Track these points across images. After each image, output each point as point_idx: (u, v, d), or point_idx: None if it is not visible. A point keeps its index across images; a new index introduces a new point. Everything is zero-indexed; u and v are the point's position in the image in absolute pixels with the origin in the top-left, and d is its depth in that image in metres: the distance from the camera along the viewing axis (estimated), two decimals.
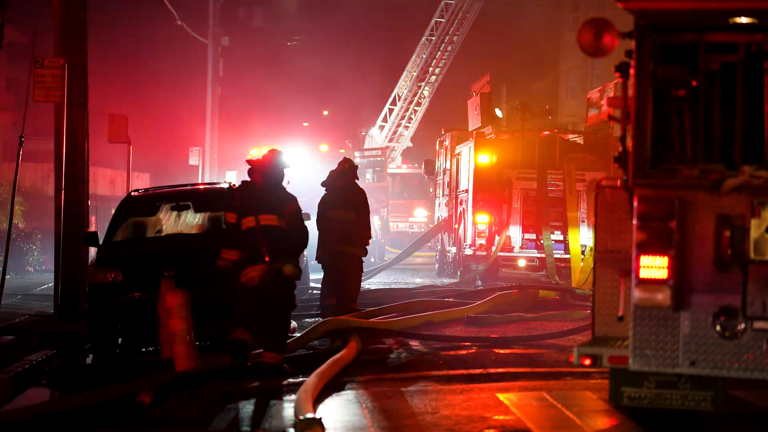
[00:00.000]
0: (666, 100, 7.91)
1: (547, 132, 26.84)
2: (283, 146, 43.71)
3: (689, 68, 7.89)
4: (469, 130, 29.40)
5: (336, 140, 51.03)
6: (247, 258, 12.10)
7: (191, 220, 16.25)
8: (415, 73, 45.32)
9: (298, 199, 12.72)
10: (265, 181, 12.39)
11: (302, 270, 12.55)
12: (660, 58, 7.91)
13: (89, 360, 14.69)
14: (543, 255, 25.03)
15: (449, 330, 15.97)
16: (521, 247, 25.45)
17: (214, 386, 11.40)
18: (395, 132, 46.12)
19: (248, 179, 12.59)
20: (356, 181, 17.73)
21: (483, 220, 25.58)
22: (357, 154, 43.01)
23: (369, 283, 25.59)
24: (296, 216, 12.34)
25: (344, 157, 18.81)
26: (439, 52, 44.83)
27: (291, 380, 11.47)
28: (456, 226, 27.78)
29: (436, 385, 11.07)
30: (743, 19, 7.83)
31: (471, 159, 26.18)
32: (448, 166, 29.89)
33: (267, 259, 12.00)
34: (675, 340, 7.81)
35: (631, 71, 7.95)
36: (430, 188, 34.89)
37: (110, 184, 45.27)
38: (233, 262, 12.23)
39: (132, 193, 17.10)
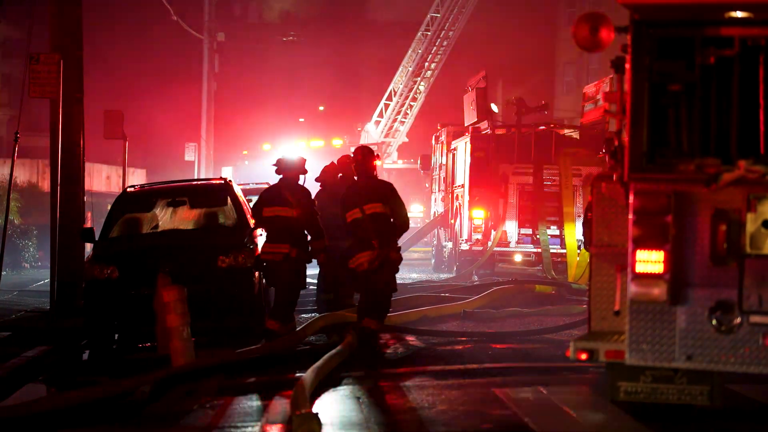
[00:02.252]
0: (662, 95, 7.91)
1: (543, 127, 26.83)
2: (278, 141, 43.49)
3: (685, 63, 7.89)
4: (465, 125, 29.41)
5: (331, 136, 51.03)
6: (355, 246, 13.10)
7: (187, 216, 16.25)
8: (410, 69, 45.31)
9: None
10: (360, 174, 13.45)
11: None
12: (656, 52, 7.91)
13: (86, 356, 14.69)
14: (539, 250, 25.03)
15: (446, 325, 15.97)
16: (517, 242, 25.46)
17: (212, 381, 11.40)
18: (391, 127, 46.12)
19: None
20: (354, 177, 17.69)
21: (479, 215, 25.58)
22: (353, 149, 42.98)
23: None
24: (397, 201, 13.28)
25: (343, 154, 18.79)
26: (435, 47, 44.84)
27: (288, 375, 11.47)
28: (452, 221, 27.79)
29: (433, 380, 11.07)
30: (739, 14, 7.83)
31: (467, 154, 26.19)
32: (444, 162, 29.89)
33: (375, 244, 12.97)
34: (671, 335, 7.82)
35: (627, 66, 7.96)
36: (426, 183, 34.89)
37: (106, 180, 45.22)
38: (283, 255, 13.45)
39: (128, 189, 17.10)
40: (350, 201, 13.33)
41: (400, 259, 13.42)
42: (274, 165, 14.57)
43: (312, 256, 14.11)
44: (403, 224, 13.36)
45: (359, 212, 13.13)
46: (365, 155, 13.59)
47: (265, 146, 42.72)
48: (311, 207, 14.03)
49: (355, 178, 13.98)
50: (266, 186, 26.94)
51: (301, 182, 14.37)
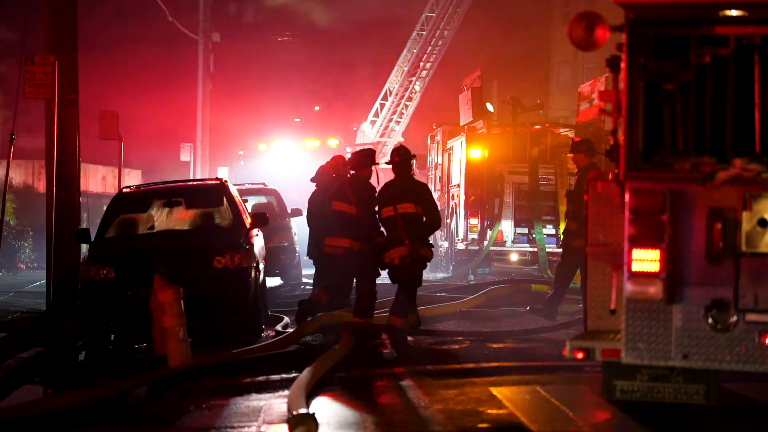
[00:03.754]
0: (657, 94, 7.92)
1: (539, 126, 26.86)
2: (274, 141, 43.50)
3: (680, 62, 7.90)
4: (461, 124, 29.40)
5: (327, 136, 51.03)
6: (387, 242, 13.65)
7: (183, 217, 16.25)
8: (406, 68, 45.28)
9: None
10: (398, 174, 13.87)
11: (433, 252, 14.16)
12: (651, 51, 7.91)
13: (82, 357, 14.69)
14: (535, 249, 25.04)
15: (442, 325, 15.98)
16: (513, 242, 25.48)
17: (208, 382, 11.39)
18: (387, 127, 46.08)
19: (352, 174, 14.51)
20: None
21: (475, 214, 25.59)
22: (348, 149, 42.98)
23: None
24: (429, 201, 13.81)
25: (336, 154, 18.78)
26: (430, 47, 44.79)
27: (284, 375, 11.47)
28: (448, 220, 27.79)
29: (429, 380, 11.07)
30: (733, 12, 7.83)
31: (462, 154, 26.20)
32: (439, 161, 29.88)
33: (407, 242, 13.38)
34: (667, 333, 7.82)
35: (622, 65, 7.96)
36: None
37: (102, 180, 45.15)
38: (345, 249, 14.06)
39: (124, 190, 17.09)
40: (385, 199, 13.82)
41: (431, 255, 13.85)
42: (349, 166, 14.96)
43: (371, 249, 14.29)
44: (433, 223, 13.84)
45: (392, 210, 13.63)
46: (403, 156, 13.94)
47: (260, 146, 42.68)
48: (371, 204, 14.28)
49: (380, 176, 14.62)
50: (261, 186, 27.13)
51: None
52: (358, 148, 45.37)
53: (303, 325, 14.15)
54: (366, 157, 14.66)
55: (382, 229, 14.03)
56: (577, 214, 15.41)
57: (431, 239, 13.88)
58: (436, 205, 14.18)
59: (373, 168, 14.59)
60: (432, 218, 13.80)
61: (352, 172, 14.75)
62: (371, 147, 15.06)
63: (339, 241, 14.27)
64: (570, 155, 16.33)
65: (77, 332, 15.10)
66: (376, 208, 14.02)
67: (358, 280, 14.32)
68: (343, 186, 14.60)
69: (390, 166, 13.98)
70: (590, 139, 16.64)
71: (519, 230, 25.39)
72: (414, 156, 14.05)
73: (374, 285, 14.30)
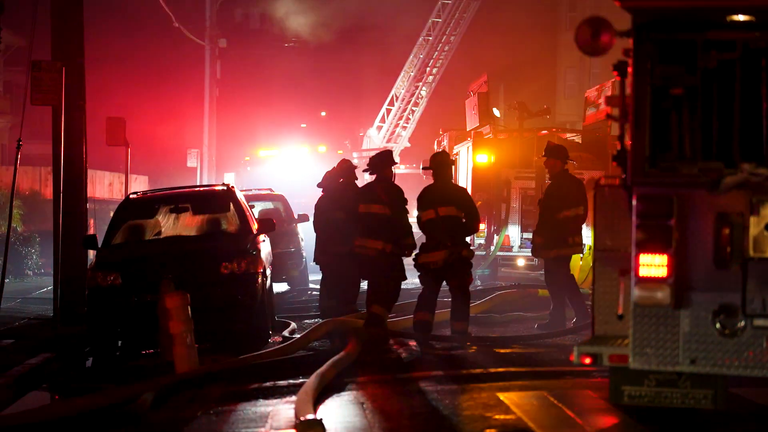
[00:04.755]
0: (664, 99, 7.91)
1: (545, 131, 26.80)
2: (281, 147, 43.51)
3: (687, 67, 7.89)
4: (467, 130, 29.36)
5: (334, 141, 51.04)
6: (427, 244, 14.05)
7: (190, 223, 16.26)
8: (412, 74, 45.30)
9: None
10: (439, 178, 14.24)
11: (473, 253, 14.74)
12: (658, 56, 7.91)
13: (89, 363, 14.70)
14: None
15: (449, 330, 15.96)
16: (520, 247, 25.42)
17: (215, 388, 11.40)
18: (393, 132, 46.10)
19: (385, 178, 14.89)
20: (356, 181, 17.72)
21: (482, 219, 25.55)
22: (355, 154, 42.99)
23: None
24: (470, 205, 14.24)
25: (342, 158, 18.81)
26: (437, 52, 44.82)
27: (291, 381, 11.47)
28: None
29: (437, 385, 11.06)
30: (741, 17, 7.83)
31: (469, 159, 26.16)
32: None
33: (449, 244, 13.80)
34: (675, 339, 7.81)
35: (629, 70, 7.95)
36: None
37: (109, 186, 45.24)
38: (377, 251, 14.43)
39: (130, 196, 17.10)
40: (426, 202, 14.18)
41: (473, 255, 14.41)
42: (366, 170, 15.26)
43: (403, 251, 14.75)
44: (473, 226, 14.29)
45: (434, 213, 14.00)
46: (443, 161, 14.38)
47: (260, 152, 42.72)
48: (403, 205, 14.74)
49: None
50: (268, 192, 27.15)
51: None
52: (365, 154, 45.48)
53: (309, 331, 14.15)
54: (386, 159, 15.12)
55: (415, 231, 14.51)
56: (542, 227, 15.50)
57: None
58: (476, 208, 14.57)
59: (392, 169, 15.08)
60: (473, 220, 14.19)
61: (372, 175, 15.06)
62: (388, 150, 15.59)
63: (371, 243, 14.57)
64: (543, 159, 16.38)
65: (84, 338, 15.11)
66: (415, 212, 14.44)
67: (385, 280, 14.62)
68: (372, 188, 14.95)
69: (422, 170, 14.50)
70: (564, 146, 16.79)
71: (526, 235, 25.33)
72: (454, 161, 14.50)
73: (399, 287, 14.78)
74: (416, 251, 14.53)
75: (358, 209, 14.80)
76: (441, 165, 14.33)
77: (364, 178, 16.82)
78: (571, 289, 15.62)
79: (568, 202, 15.52)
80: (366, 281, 15.20)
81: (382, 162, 15.06)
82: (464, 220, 14.10)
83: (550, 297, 16.02)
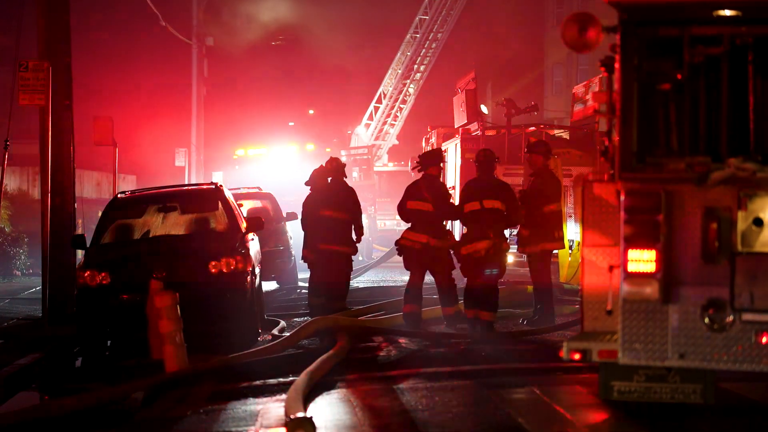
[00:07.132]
0: (651, 94, 7.93)
1: (533, 128, 26.83)
2: (269, 146, 43.46)
3: (674, 62, 7.91)
4: (455, 127, 29.40)
5: (322, 139, 51.01)
6: (469, 235, 14.86)
7: (178, 222, 16.23)
8: (400, 71, 45.28)
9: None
10: (484, 173, 15.09)
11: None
12: (644, 52, 7.92)
13: (78, 363, 14.67)
14: None
15: (439, 327, 15.97)
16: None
17: (205, 387, 11.38)
18: (381, 130, 46.08)
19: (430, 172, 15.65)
20: (344, 179, 17.70)
21: None
22: (343, 152, 42.96)
23: (357, 282, 25.57)
24: (513, 199, 14.98)
25: (331, 156, 18.80)
26: (424, 50, 44.80)
27: (281, 379, 11.46)
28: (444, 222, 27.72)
29: (426, 383, 11.07)
30: (727, 12, 7.85)
31: (457, 156, 26.18)
32: None
33: (491, 235, 14.58)
34: (664, 333, 7.83)
35: (616, 66, 7.97)
36: None
37: (96, 186, 45.12)
38: (422, 244, 15.30)
39: (119, 195, 17.06)
40: (470, 194, 15.01)
41: (509, 247, 15.33)
42: (414, 167, 16.28)
43: (447, 243, 15.60)
44: (516, 219, 15.27)
45: (479, 205, 14.78)
46: (487, 156, 15.14)
47: (251, 150, 42.67)
48: (447, 200, 15.77)
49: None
50: (256, 191, 27.11)
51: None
52: (353, 151, 45.38)
53: (299, 329, 14.14)
54: (435, 158, 15.94)
55: (448, 225, 15.40)
56: (529, 219, 15.59)
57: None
58: (518, 202, 15.22)
59: (441, 167, 15.89)
60: (515, 214, 15.02)
61: (421, 172, 15.82)
62: (438, 148, 16.48)
63: (417, 236, 15.39)
64: (527, 155, 16.69)
65: (74, 338, 15.07)
66: (458, 204, 15.24)
67: (436, 274, 15.62)
68: (417, 186, 15.62)
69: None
70: (547, 142, 17.07)
71: (514, 232, 25.34)
72: (497, 158, 15.38)
73: (452, 277, 15.65)
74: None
75: (406, 205, 15.52)
76: (486, 160, 15.06)
77: (352, 177, 16.98)
78: (548, 284, 15.82)
79: (551, 197, 15.72)
80: (409, 272, 15.79)
81: (429, 160, 15.82)
82: (506, 213, 14.80)
83: (536, 293, 16.08)
